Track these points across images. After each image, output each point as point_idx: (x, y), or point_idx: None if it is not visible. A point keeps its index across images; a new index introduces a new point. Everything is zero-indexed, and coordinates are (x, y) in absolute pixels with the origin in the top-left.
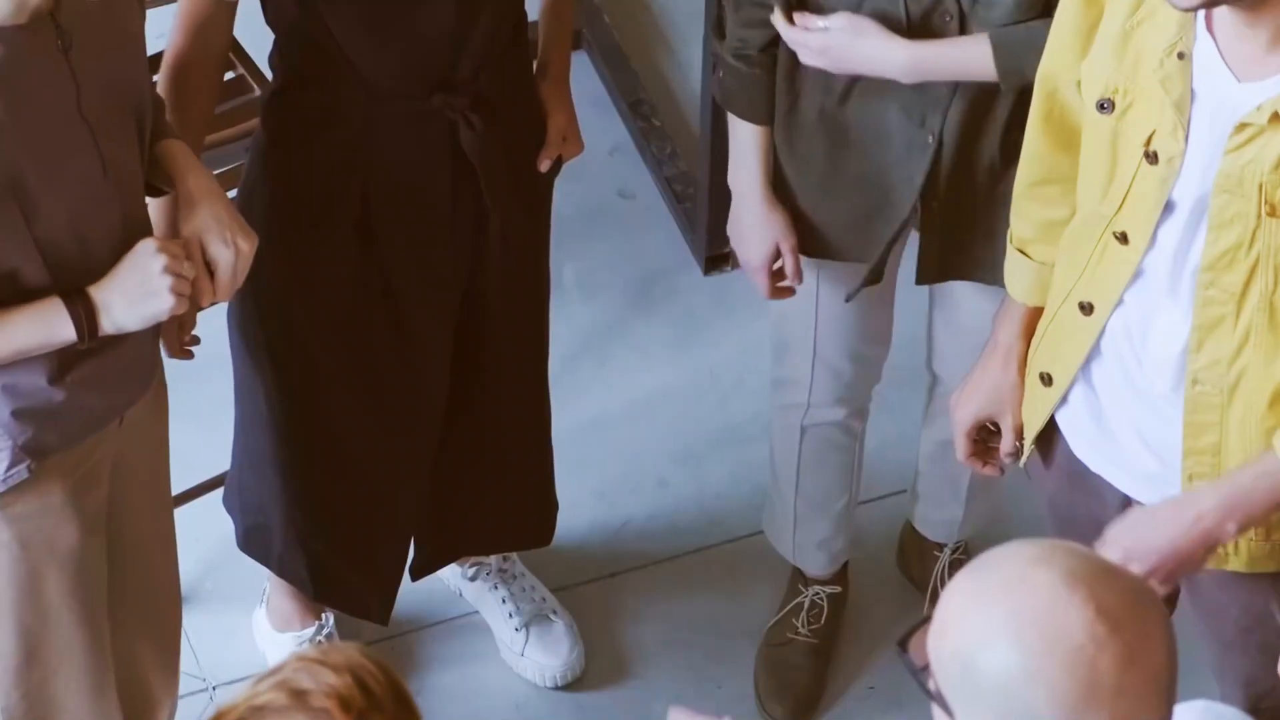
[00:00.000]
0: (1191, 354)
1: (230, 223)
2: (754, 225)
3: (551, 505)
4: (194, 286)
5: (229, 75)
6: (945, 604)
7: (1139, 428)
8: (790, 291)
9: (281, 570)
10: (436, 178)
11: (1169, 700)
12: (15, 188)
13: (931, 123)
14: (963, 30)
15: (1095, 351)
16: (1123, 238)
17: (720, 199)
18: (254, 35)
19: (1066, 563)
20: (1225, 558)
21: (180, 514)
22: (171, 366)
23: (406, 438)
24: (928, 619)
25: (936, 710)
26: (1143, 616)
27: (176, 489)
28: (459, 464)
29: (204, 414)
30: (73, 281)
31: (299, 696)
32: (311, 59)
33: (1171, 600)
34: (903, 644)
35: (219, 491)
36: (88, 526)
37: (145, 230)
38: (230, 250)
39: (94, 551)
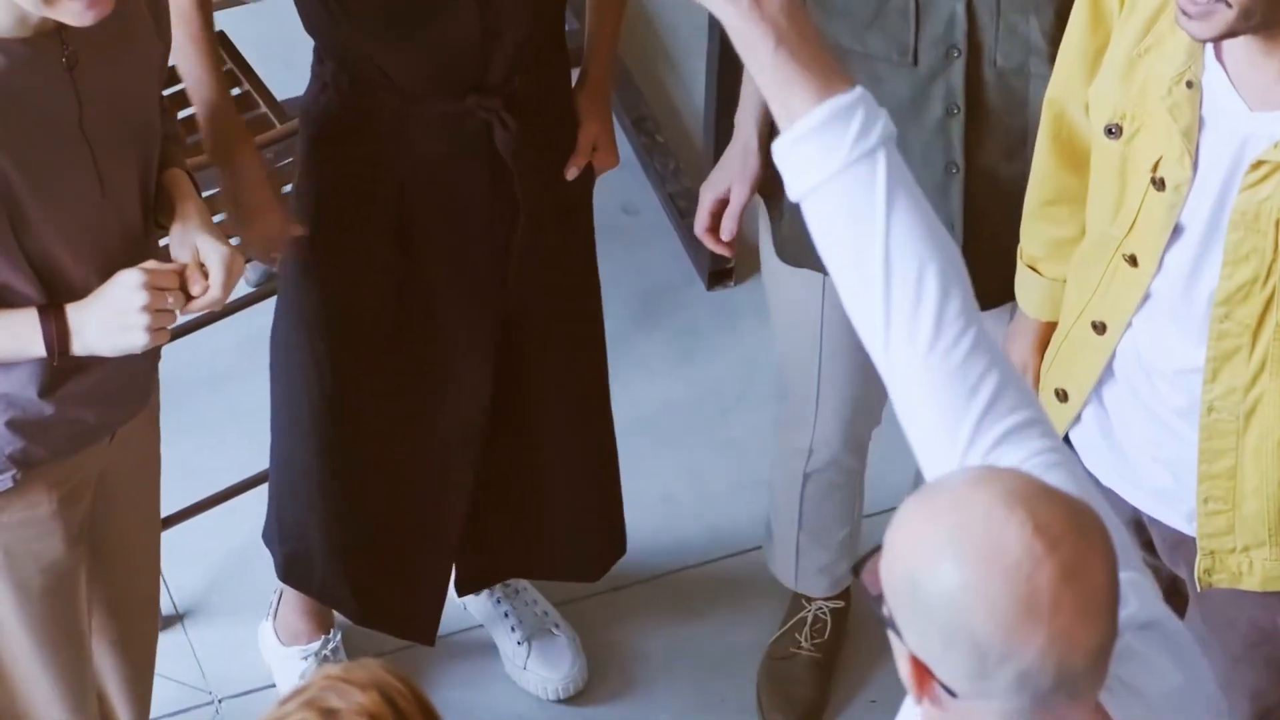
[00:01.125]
0: (1207, 383)
1: (222, 236)
2: (726, 157)
3: (614, 543)
4: (183, 279)
5: (234, 91)
6: (894, 527)
7: (1151, 445)
8: (724, 245)
9: (324, 596)
10: (472, 178)
11: (1111, 619)
12: (6, 200)
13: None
14: (969, 69)
15: (1107, 371)
16: (1132, 260)
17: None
18: (261, 49)
19: (1007, 484)
20: (1239, 577)
21: (186, 528)
22: (177, 382)
23: (448, 450)
24: (881, 546)
25: (893, 638)
26: (1081, 535)
27: (183, 503)
28: (499, 480)
29: (210, 428)
30: (68, 299)
31: (330, 716)
32: (345, 64)
33: (1180, 609)
34: (857, 570)
35: (225, 505)
36: (73, 539)
37: (146, 253)
38: (225, 248)
39: (78, 563)
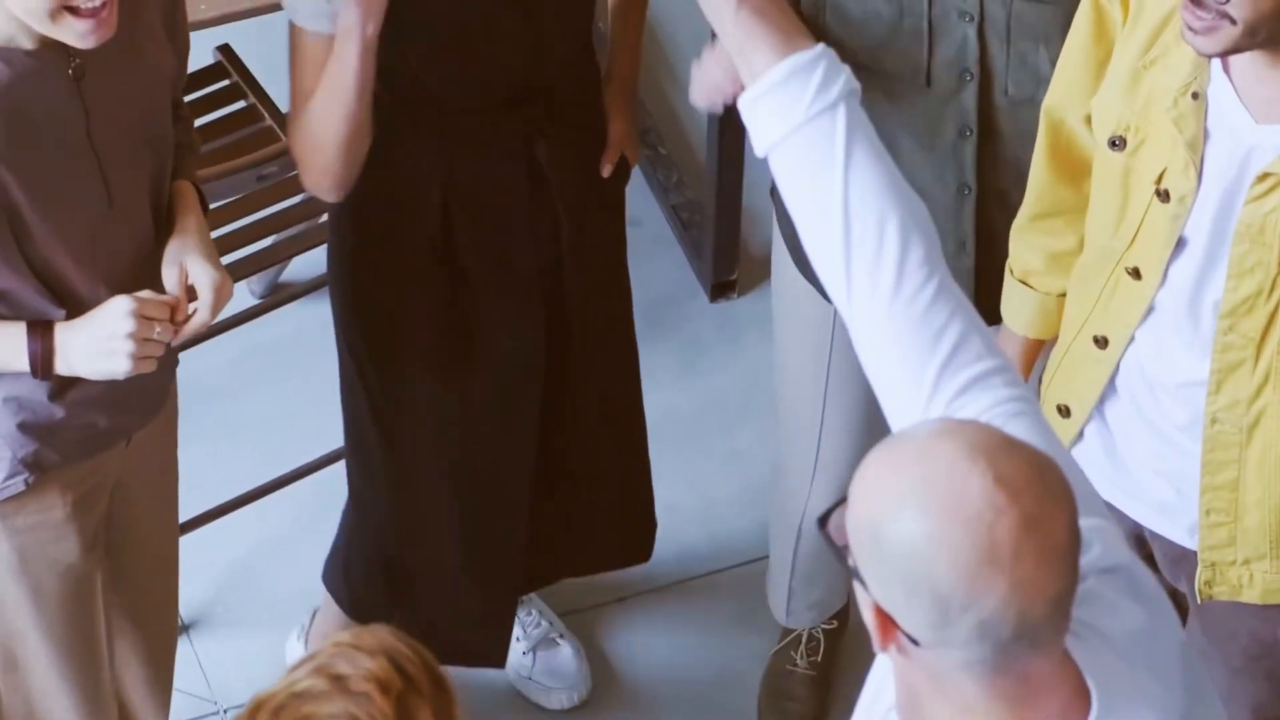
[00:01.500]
0: (1210, 395)
1: (215, 258)
2: None
3: (649, 522)
4: (173, 311)
5: (240, 105)
6: (859, 477)
7: (1153, 459)
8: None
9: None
10: (512, 187)
11: (1071, 569)
12: (7, 209)
13: (965, 175)
14: (982, 93)
15: (1109, 386)
16: (1135, 273)
17: (726, 226)
18: (266, 63)
19: (970, 435)
20: (1239, 590)
21: (192, 538)
22: (183, 391)
23: (505, 464)
24: (846, 498)
25: (857, 588)
26: (1043, 487)
27: (188, 513)
28: (552, 484)
29: (214, 438)
30: (75, 308)
31: (338, 681)
32: (386, 81)
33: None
34: (823, 521)
35: (231, 516)
36: (88, 543)
37: (157, 264)
38: (215, 271)
39: (93, 568)
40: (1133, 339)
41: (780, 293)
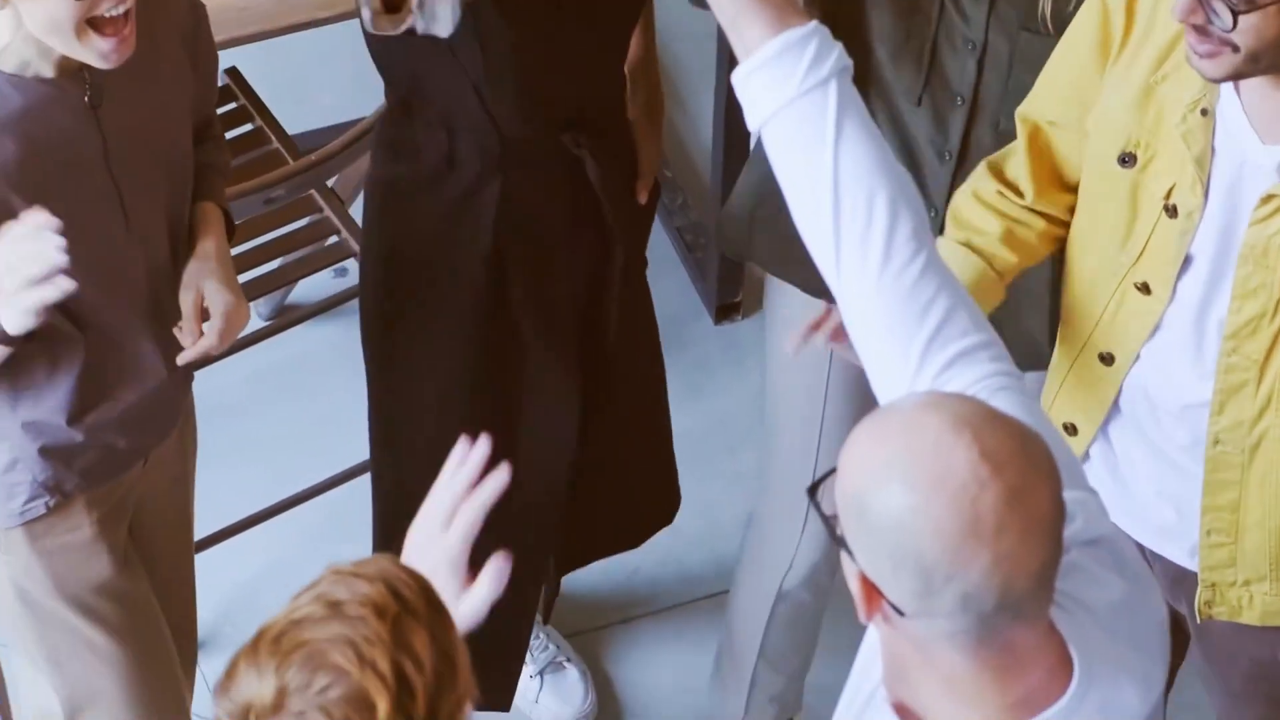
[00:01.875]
0: (1213, 416)
1: (233, 283)
2: None
3: (673, 494)
4: (183, 331)
5: (247, 127)
6: (847, 449)
7: (1155, 480)
8: None
9: None
10: (560, 211)
11: (1054, 543)
12: None
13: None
14: (969, 121)
15: (1113, 407)
16: (1144, 288)
17: None
18: (273, 86)
19: (956, 409)
20: (1239, 610)
21: (201, 559)
22: (197, 409)
23: (540, 486)
24: (836, 468)
25: (844, 557)
26: (1026, 460)
27: (197, 533)
28: (590, 502)
29: (221, 459)
30: (95, 332)
31: (335, 607)
32: (447, 108)
33: (1181, 648)
34: (813, 491)
35: (240, 536)
36: (120, 559)
37: (174, 286)
38: (230, 297)
39: (132, 581)
40: (1138, 358)
41: (774, 311)
